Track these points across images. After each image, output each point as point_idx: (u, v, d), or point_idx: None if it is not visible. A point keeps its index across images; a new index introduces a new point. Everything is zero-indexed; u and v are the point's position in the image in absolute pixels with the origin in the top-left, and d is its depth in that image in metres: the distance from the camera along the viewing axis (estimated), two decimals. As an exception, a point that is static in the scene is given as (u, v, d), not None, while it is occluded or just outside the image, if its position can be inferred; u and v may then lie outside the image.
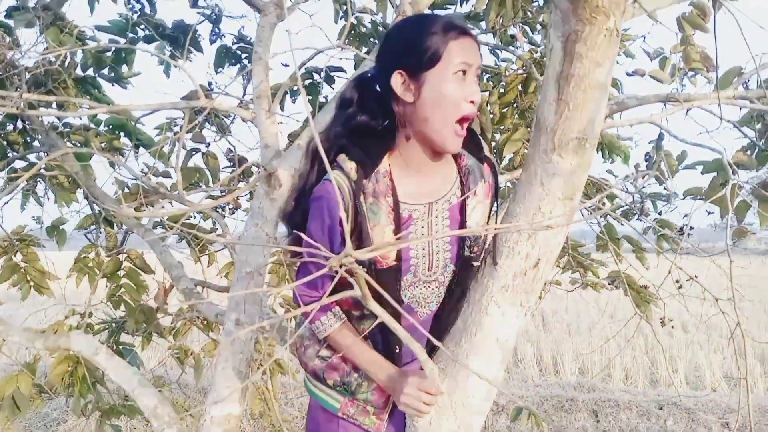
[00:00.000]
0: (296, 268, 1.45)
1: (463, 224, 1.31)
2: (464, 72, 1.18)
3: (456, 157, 1.34)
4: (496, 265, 1.13)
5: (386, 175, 1.27)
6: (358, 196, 1.23)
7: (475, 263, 1.32)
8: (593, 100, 0.99)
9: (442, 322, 1.33)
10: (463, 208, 1.32)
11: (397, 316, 1.24)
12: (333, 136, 1.29)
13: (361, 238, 1.24)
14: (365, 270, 1.08)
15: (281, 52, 1.59)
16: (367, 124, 1.29)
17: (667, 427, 4.95)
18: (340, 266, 0.81)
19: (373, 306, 0.97)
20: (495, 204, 1.38)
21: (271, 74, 1.91)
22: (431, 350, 1.30)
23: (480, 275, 1.17)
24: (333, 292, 0.89)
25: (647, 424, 5.04)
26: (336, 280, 0.82)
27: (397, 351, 1.33)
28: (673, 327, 3.11)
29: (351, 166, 1.23)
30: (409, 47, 1.20)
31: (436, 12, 2.66)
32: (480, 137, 1.36)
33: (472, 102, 1.19)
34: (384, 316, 1.00)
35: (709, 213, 2.35)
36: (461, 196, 1.31)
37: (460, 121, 1.19)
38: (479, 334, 1.13)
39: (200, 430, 1.54)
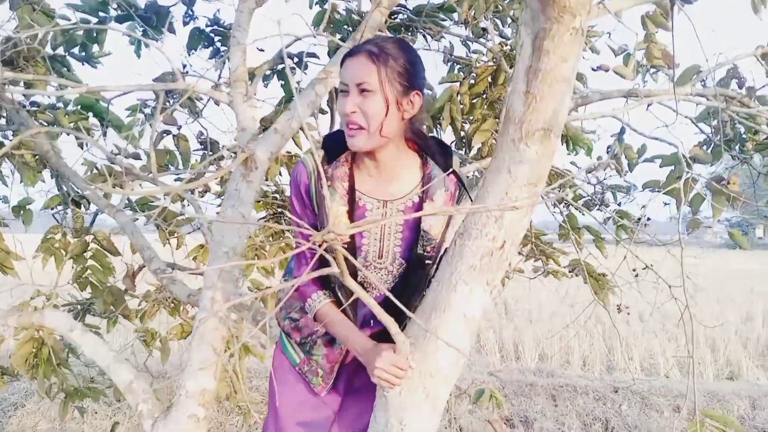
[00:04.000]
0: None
1: (417, 225, 1.47)
2: (345, 92, 1.37)
3: (424, 165, 1.50)
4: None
5: (346, 164, 1.45)
6: (319, 178, 1.42)
7: (428, 261, 1.48)
8: (558, 93, 1.06)
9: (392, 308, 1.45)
10: (420, 210, 1.45)
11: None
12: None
13: (320, 214, 1.44)
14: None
15: (259, 38, 1.62)
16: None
17: (621, 411, 5.14)
18: (322, 242, 0.87)
19: (349, 282, 1.03)
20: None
21: (247, 58, 1.93)
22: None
23: (449, 256, 1.24)
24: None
25: (603, 408, 5.22)
26: (317, 257, 0.87)
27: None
28: (629, 314, 3.23)
29: (321, 152, 1.45)
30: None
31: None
32: (451, 151, 1.52)
33: (345, 114, 1.36)
34: (359, 291, 1.05)
35: (666, 204, 2.46)
36: (419, 200, 1.47)
37: (348, 125, 1.37)
38: (448, 310, 1.20)
39: (175, 404, 1.58)
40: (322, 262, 1.35)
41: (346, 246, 1.43)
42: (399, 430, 1.21)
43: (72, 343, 1.79)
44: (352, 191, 1.44)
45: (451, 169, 1.45)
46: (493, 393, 2.99)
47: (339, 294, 1.49)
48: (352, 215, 1.43)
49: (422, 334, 1.23)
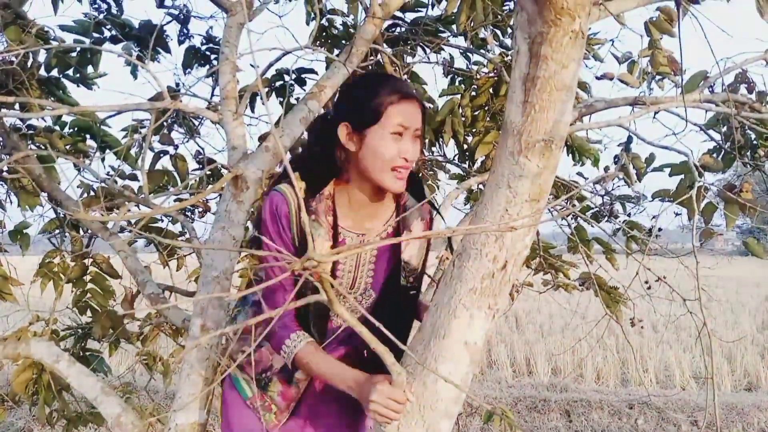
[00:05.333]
0: (262, 276, 1.50)
1: (397, 255, 1.48)
2: (401, 134, 1.35)
3: (398, 197, 1.50)
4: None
5: (329, 198, 1.44)
6: (302, 211, 1.32)
7: (412, 292, 1.51)
8: (559, 102, 0.99)
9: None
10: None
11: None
12: (292, 158, 1.48)
13: (304, 250, 1.37)
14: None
15: (248, 52, 1.57)
16: (320, 153, 1.45)
17: (637, 426, 5.02)
18: (303, 269, 0.80)
19: (340, 309, 0.96)
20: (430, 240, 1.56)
21: (240, 76, 1.88)
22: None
23: (448, 278, 1.16)
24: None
25: (618, 423, 5.10)
26: (299, 285, 0.81)
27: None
28: (642, 327, 3.14)
29: (301, 185, 1.31)
30: (356, 104, 1.38)
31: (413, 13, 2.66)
32: (420, 179, 1.54)
33: (405, 158, 1.35)
34: (351, 320, 0.99)
35: (677, 215, 2.38)
36: (394, 232, 1.50)
37: (394, 169, 1.36)
38: (447, 337, 1.12)
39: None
40: (299, 294, 1.29)
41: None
42: (398, 467, 1.13)
43: (59, 374, 1.73)
44: (335, 226, 1.43)
45: (426, 199, 1.50)
46: (504, 412, 2.89)
47: (312, 331, 1.41)
48: (335, 246, 1.42)
49: (420, 364, 1.15)
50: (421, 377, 1.16)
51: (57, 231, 2.80)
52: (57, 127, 2.73)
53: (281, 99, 2.74)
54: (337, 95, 1.50)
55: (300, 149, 1.48)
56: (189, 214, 2.94)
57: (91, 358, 3.00)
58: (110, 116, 2.25)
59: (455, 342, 1.12)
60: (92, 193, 2.61)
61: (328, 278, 0.84)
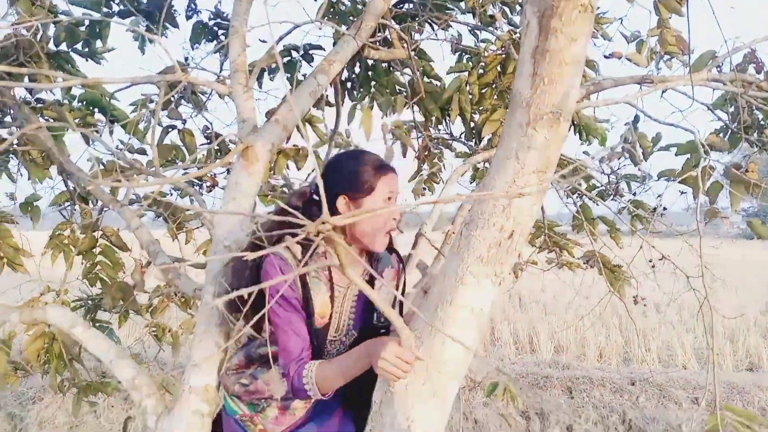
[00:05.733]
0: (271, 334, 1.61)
1: (370, 302, 1.63)
2: (389, 198, 1.54)
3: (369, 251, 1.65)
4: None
5: (323, 256, 1.58)
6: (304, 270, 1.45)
7: (383, 331, 1.66)
8: (568, 75, 1.00)
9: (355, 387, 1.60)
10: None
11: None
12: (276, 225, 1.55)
13: (307, 304, 1.54)
14: (306, 326, 1.52)
15: (258, 25, 1.58)
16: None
17: (639, 403, 5.07)
18: (317, 234, 0.83)
19: (351, 274, 0.99)
20: (403, 283, 1.77)
21: (249, 51, 1.89)
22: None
23: (456, 247, 1.19)
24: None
25: (620, 400, 5.16)
26: (314, 246, 0.84)
27: None
28: (645, 305, 3.17)
29: (297, 248, 1.51)
30: (350, 179, 1.54)
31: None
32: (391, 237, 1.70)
33: (395, 219, 1.57)
34: (361, 284, 1.02)
35: (682, 193, 2.39)
36: (368, 279, 1.66)
37: (387, 232, 1.56)
38: (455, 303, 1.16)
39: (179, 400, 1.55)
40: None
41: (325, 324, 1.59)
42: (406, 426, 1.17)
43: (75, 339, 1.77)
44: (331, 279, 1.59)
45: (394, 252, 1.73)
46: (507, 386, 2.94)
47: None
48: (332, 301, 1.59)
49: (427, 329, 1.18)
50: (429, 341, 1.20)
51: (67, 204, 2.84)
52: (66, 101, 2.75)
53: (288, 75, 2.75)
54: (324, 170, 1.63)
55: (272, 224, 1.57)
56: (197, 188, 2.97)
57: (101, 329, 3.06)
58: (121, 89, 2.27)
59: (462, 308, 1.15)
60: (102, 167, 2.64)
61: (341, 242, 0.86)
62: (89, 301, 3.17)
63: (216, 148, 2.67)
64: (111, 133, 2.71)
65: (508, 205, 1.07)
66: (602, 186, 3.03)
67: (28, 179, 2.80)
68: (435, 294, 1.22)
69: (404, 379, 1.22)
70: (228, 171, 2.87)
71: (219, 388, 1.70)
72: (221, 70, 2.67)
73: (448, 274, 1.18)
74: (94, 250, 2.86)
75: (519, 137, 1.04)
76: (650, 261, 2.92)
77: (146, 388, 1.57)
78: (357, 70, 2.74)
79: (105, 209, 2.52)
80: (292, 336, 1.50)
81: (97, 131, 2.69)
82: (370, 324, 1.68)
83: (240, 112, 1.68)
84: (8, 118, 2.63)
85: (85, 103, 2.68)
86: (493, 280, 1.13)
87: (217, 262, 1.56)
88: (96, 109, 2.69)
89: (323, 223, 0.80)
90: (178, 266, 2.01)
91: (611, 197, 3.00)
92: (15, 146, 2.55)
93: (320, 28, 2.57)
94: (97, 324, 3.12)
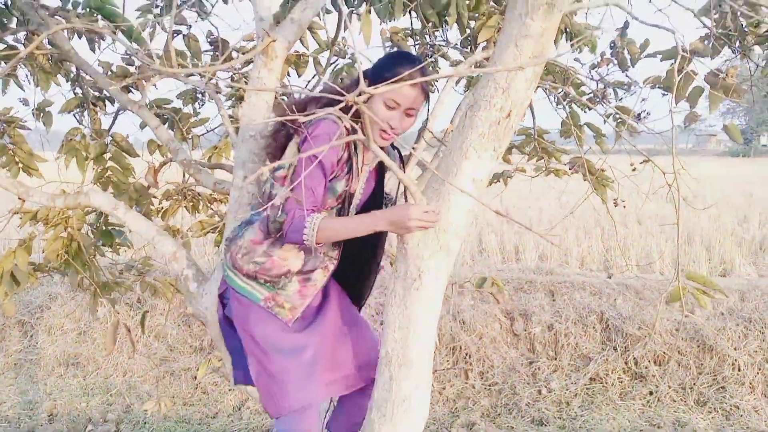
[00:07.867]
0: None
1: (381, 184, 1.84)
2: (391, 108, 1.61)
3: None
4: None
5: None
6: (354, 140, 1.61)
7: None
8: (562, -30, 1.14)
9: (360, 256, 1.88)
10: (380, 173, 1.84)
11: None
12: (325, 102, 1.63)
13: (351, 170, 1.69)
14: (341, 198, 1.70)
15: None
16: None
17: (616, 304, 5.42)
18: (354, 103, 0.99)
19: (374, 147, 1.16)
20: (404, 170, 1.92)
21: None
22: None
23: (461, 127, 1.37)
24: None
25: (599, 302, 5.50)
26: (351, 112, 1.00)
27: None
28: (625, 207, 3.38)
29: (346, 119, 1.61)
30: (378, 70, 1.65)
31: None
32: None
33: (389, 125, 1.62)
34: (379, 153, 1.18)
35: (664, 95, 2.54)
36: (377, 167, 1.82)
37: (386, 133, 1.63)
38: (459, 174, 1.34)
39: (216, 270, 1.76)
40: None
41: (352, 194, 1.74)
42: (417, 275, 1.39)
43: (117, 220, 1.95)
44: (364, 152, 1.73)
45: (395, 149, 1.86)
46: (494, 280, 3.19)
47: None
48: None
49: (435, 196, 1.38)
50: (437, 206, 1.40)
51: (78, 109, 2.94)
52: (70, 6, 2.79)
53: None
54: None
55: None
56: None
57: (114, 232, 3.22)
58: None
59: (465, 178, 1.34)
60: (111, 72, 2.72)
61: (369, 113, 1.02)
62: (102, 204, 3.32)
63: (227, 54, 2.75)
64: (114, 40, 2.77)
65: (507, 88, 1.23)
66: (591, 92, 3.16)
67: (36, 86, 2.88)
68: (442, 168, 1.41)
69: (432, 227, 1.40)
70: (232, 77, 2.97)
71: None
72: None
73: (454, 149, 1.37)
74: (104, 155, 2.98)
75: (518, 26, 1.20)
76: (631, 164, 3.10)
77: (186, 260, 1.77)
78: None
79: (120, 111, 2.64)
80: (310, 197, 1.58)
81: (103, 39, 2.76)
82: (375, 206, 1.80)
83: (257, 11, 1.79)
84: (13, 25, 2.68)
85: (89, 9, 2.72)
86: (492, 154, 1.32)
87: (245, 150, 1.72)
88: (99, 17, 2.74)
89: (360, 94, 0.96)
90: (197, 162, 2.17)
91: (599, 102, 3.14)
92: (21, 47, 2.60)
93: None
94: (110, 227, 3.29)
